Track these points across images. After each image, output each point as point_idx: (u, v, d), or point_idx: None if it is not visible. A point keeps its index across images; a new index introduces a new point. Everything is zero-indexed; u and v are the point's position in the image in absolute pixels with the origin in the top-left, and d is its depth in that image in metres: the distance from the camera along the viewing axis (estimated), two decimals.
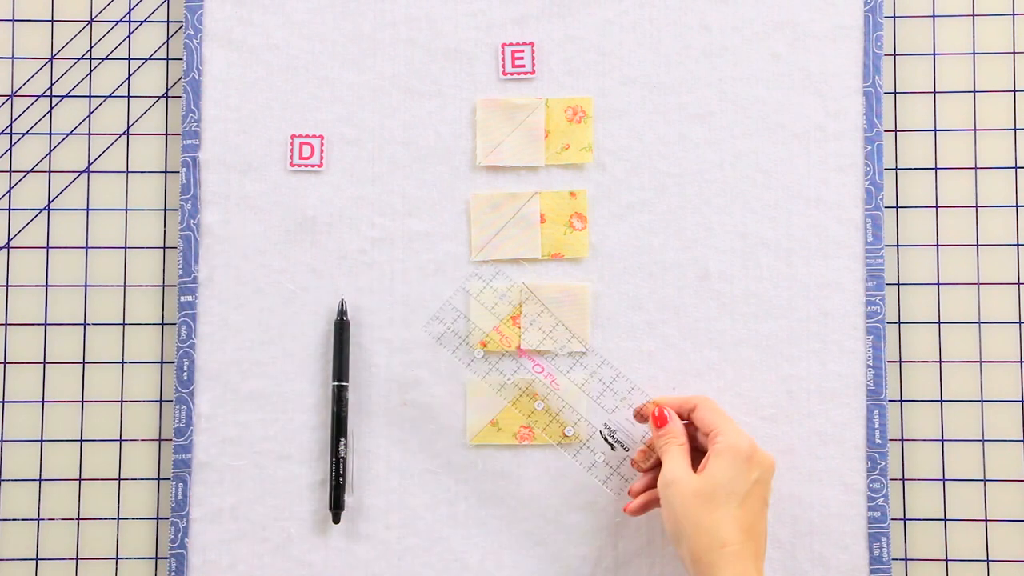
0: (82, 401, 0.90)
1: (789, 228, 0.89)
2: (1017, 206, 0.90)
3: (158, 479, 0.89)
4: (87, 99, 0.92)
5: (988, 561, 0.88)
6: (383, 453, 0.88)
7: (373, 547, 0.87)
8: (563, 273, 0.89)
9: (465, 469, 0.88)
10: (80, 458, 0.90)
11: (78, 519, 0.89)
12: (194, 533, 0.88)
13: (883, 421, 0.87)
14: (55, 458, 0.90)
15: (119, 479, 0.90)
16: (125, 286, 0.91)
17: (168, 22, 0.92)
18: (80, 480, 0.90)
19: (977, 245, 0.90)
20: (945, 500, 0.89)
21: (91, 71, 0.92)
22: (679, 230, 0.89)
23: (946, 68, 0.91)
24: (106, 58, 0.92)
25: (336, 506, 0.86)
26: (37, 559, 0.89)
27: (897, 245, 0.90)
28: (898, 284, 0.90)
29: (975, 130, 0.91)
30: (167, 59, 0.92)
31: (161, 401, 0.90)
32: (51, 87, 0.92)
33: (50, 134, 0.92)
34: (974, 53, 0.91)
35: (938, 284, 0.90)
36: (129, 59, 0.92)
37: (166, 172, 0.91)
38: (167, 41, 0.92)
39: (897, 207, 0.90)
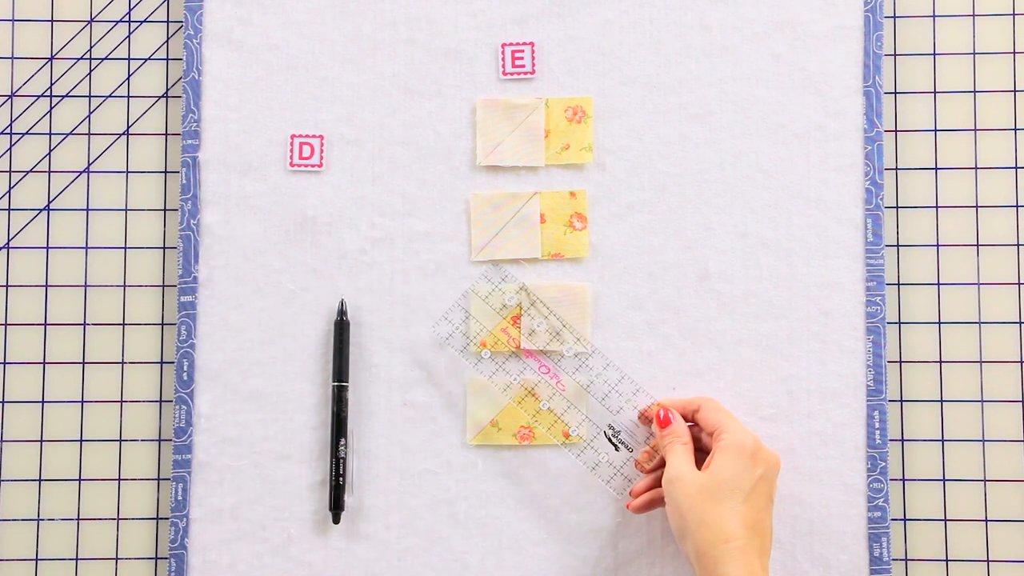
0: (82, 401, 0.90)
1: (789, 228, 0.89)
2: (1017, 206, 0.90)
3: (158, 479, 0.89)
4: (87, 99, 0.92)
5: (988, 561, 0.88)
6: (383, 453, 0.88)
7: (373, 547, 0.87)
8: (563, 273, 0.89)
9: (465, 469, 0.88)
10: (80, 458, 0.90)
11: (78, 519, 0.89)
12: (194, 533, 0.88)
13: (883, 421, 0.87)
14: (55, 458, 0.90)
15: (119, 479, 0.90)
16: (125, 286, 0.91)
17: (168, 22, 0.92)
18: (80, 480, 0.90)
19: (977, 245, 0.90)
20: (945, 500, 0.89)
21: (91, 71, 0.92)
22: (679, 230, 0.89)
23: (946, 68, 0.91)
24: (106, 58, 0.92)
25: (336, 506, 0.86)
26: (37, 559, 0.89)
27: (897, 245, 0.90)
28: (898, 284, 0.90)
29: (975, 130, 0.91)
30: (167, 59, 0.92)
31: (161, 401, 0.90)
32: (51, 87, 0.92)
33: (50, 134, 0.92)
34: (974, 53, 0.91)
35: (938, 284, 0.90)
36: (129, 59, 0.92)
37: (166, 172, 0.91)
38: (167, 41, 0.92)
39: (897, 207, 0.90)
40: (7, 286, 0.91)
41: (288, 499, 0.88)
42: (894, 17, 0.91)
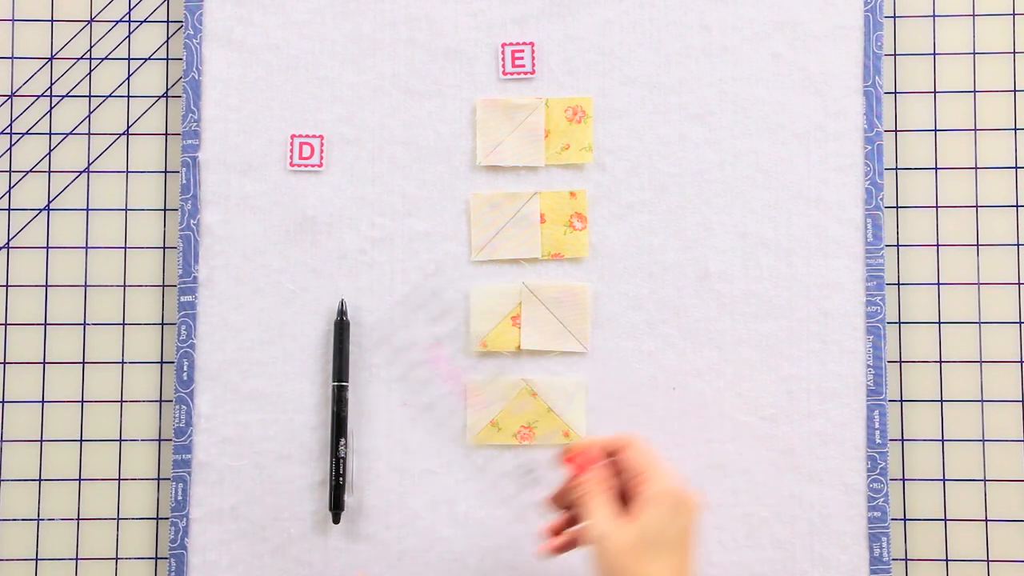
0: (82, 401, 0.90)
1: (789, 228, 0.89)
2: (1017, 206, 0.90)
3: (158, 479, 0.89)
4: (87, 99, 0.92)
5: (988, 561, 0.88)
6: (383, 453, 0.88)
7: (373, 547, 0.87)
8: (563, 273, 0.89)
9: (465, 469, 0.88)
10: (80, 458, 0.90)
11: (78, 519, 0.89)
12: (194, 533, 0.88)
13: (883, 421, 0.87)
14: (55, 458, 0.90)
15: (119, 479, 0.90)
16: (125, 286, 0.91)
17: (168, 22, 0.92)
18: (80, 480, 0.90)
19: (977, 245, 0.90)
20: (945, 500, 0.89)
21: (91, 71, 0.92)
22: (679, 230, 0.89)
23: (946, 68, 0.91)
24: (106, 58, 0.92)
25: (336, 506, 0.86)
26: (37, 559, 0.89)
27: (897, 245, 0.90)
28: (898, 284, 0.90)
29: (975, 130, 0.91)
30: (167, 59, 0.92)
31: (161, 401, 0.90)
32: (51, 87, 0.92)
33: (50, 134, 0.92)
34: (974, 53, 0.91)
35: (938, 284, 0.90)
36: (129, 59, 0.92)
37: (166, 172, 0.91)
38: (167, 41, 0.92)
39: (897, 207, 0.90)
40: (7, 286, 0.91)
41: (288, 499, 0.88)
42: (894, 17, 0.91)
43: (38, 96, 0.92)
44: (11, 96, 0.92)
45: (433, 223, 0.89)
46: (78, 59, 0.92)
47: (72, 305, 0.91)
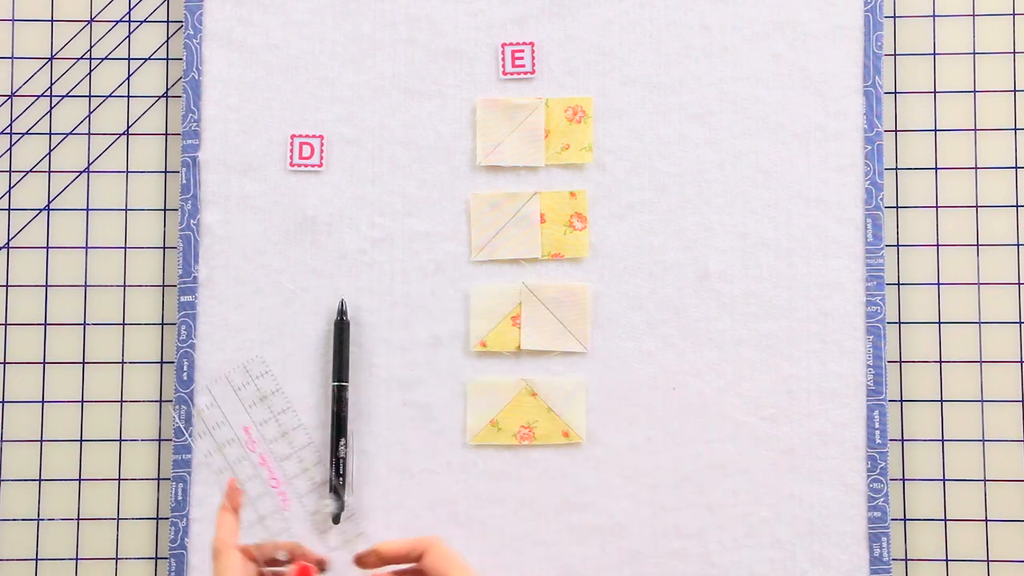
0: (82, 401, 0.90)
1: (789, 228, 0.89)
2: (1017, 206, 0.90)
3: (158, 479, 0.89)
4: (87, 99, 0.92)
5: (988, 561, 0.88)
6: (383, 453, 0.88)
7: None
8: (563, 273, 0.89)
9: (465, 469, 0.88)
10: (80, 458, 0.90)
11: (78, 519, 0.89)
12: (194, 533, 0.88)
13: (883, 421, 0.87)
14: (55, 458, 0.90)
15: (119, 479, 0.90)
16: (125, 286, 0.91)
17: (168, 22, 0.92)
18: (80, 480, 0.90)
19: (977, 245, 0.90)
20: (945, 500, 0.89)
21: (91, 71, 0.92)
22: (679, 230, 0.89)
23: (946, 68, 0.91)
24: (106, 58, 0.92)
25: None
26: (37, 559, 0.89)
27: (897, 245, 0.90)
28: (898, 284, 0.90)
29: (975, 130, 0.91)
30: (167, 59, 0.92)
31: (161, 401, 0.90)
32: (51, 87, 0.92)
33: (50, 134, 0.92)
34: (974, 53, 0.91)
35: (938, 284, 0.90)
36: (129, 59, 0.92)
37: (166, 172, 0.91)
38: (167, 41, 0.92)
39: (897, 207, 0.90)
40: (7, 286, 0.91)
41: (288, 499, 0.88)
42: (894, 17, 0.91)
43: (38, 96, 0.92)
44: (11, 96, 0.92)
45: (433, 223, 0.89)
46: (78, 59, 0.92)
47: (72, 305, 0.91)
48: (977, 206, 0.90)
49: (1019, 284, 0.90)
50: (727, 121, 0.89)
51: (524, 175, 0.90)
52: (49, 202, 0.91)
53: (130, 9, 0.92)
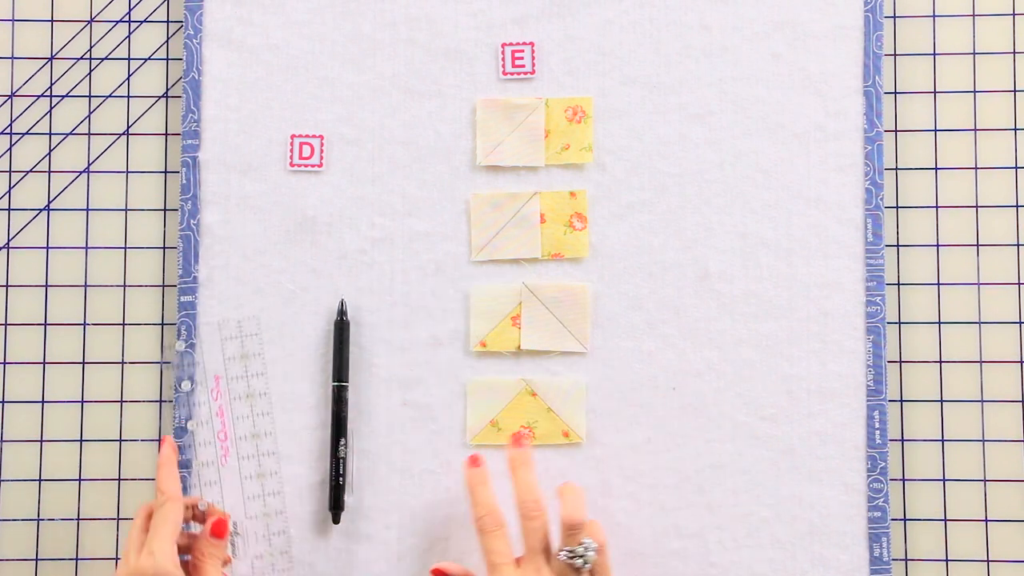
0: (82, 401, 0.90)
1: (789, 228, 0.89)
2: (1017, 206, 0.90)
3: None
4: (87, 99, 0.92)
5: (988, 561, 0.88)
6: (383, 453, 0.88)
7: (373, 547, 0.87)
8: (563, 273, 0.89)
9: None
10: (80, 458, 0.90)
11: (78, 519, 0.89)
12: None
13: (883, 421, 0.87)
14: (55, 458, 0.90)
15: (119, 479, 0.89)
16: (125, 286, 0.91)
17: (168, 22, 0.92)
18: (80, 480, 0.90)
19: (977, 245, 0.90)
20: (945, 500, 0.89)
21: (91, 71, 0.92)
22: (679, 230, 0.89)
23: (946, 68, 0.91)
24: (106, 58, 0.92)
25: (336, 506, 0.86)
26: (37, 559, 0.89)
27: (897, 245, 0.90)
28: (898, 284, 0.90)
29: (975, 130, 0.91)
30: (167, 59, 0.92)
31: (161, 401, 0.90)
32: (51, 87, 0.92)
33: (50, 134, 0.92)
34: (974, 53, 0.91)
35: (938, 284, 0.90)
36: (129, 59, 0.92)
37: (166, 172, 0.91)
38: (167, 41, 0.92)
39: (897, 207, 0.90)
40: (7, 286, 0.91)
41: (288, 499, 0.88)
42: (894, 17, 0.91)
43: (38, 96, 0.92)
44: (11, 96, 0.92)
45: (433, 223, 0.89)
46: (78, 59, 0.92)
47: (72, 305, 0.91)
48: (977, 206, 0.90)
49: (1019, 284, 0.90)
50: (727, 121, 0.89)
51: (524, 175, 0.90)
52: (49, 202, 0.91)
53: (130, 9, 0.92)
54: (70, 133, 0.92)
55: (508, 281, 0.89)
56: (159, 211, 0.91)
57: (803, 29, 0.90)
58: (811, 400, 0.88)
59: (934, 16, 0.91)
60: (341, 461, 0.87)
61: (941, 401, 0.89)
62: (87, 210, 0.91)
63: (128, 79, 0.92)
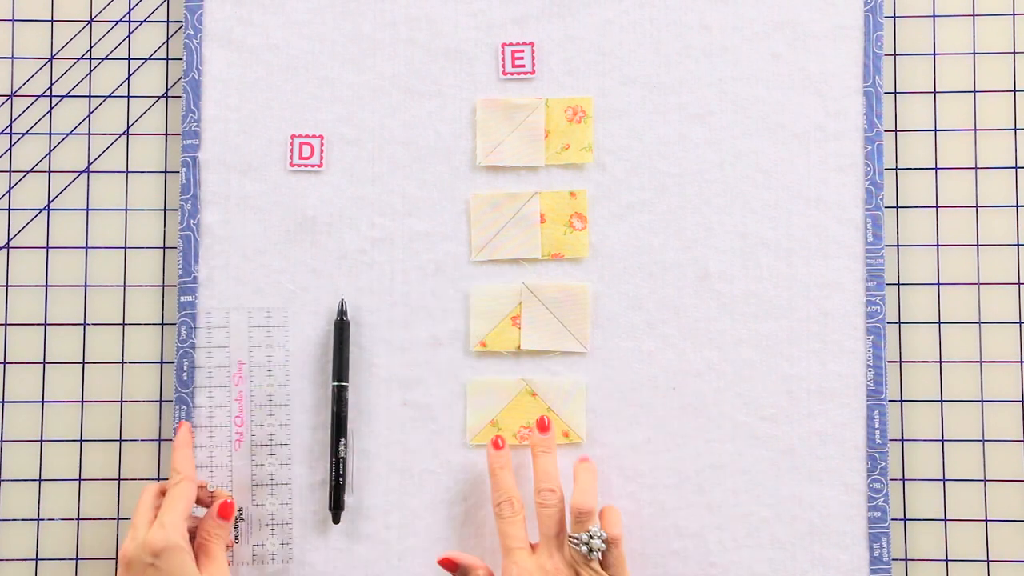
0: (82, 401, 0.90)
1: (789, 228, 0.89)
2: (1017, 206, 0.90)
3: (158, 479, 0.89)
4: (87, 99, 0.92)
5: (988, 561, 0.88)
6: (383, 453, 0.88)
7: (373, 547, 0.87)
8: (563, 273, 0.89)
9: (465, 469, 0.88)
10: (80, 458, 0.90)
11: (78, 519, 0.89)
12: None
13: (883, 421, 0.87)
14: (55, 458, 0.90)
15: (119, 479, 0.89)
16: (125, 286, 0.91)
17: (168, 22, 0.92)
18: (80, 480, 0.90)
19: (977, 245, 0.90)
20: (945, 500, 0.89)
21: (91, 71, 0.92)
22: (679, 230, 0.89)
23: (946, 68, 0.91)
24: (106, 58, 0.92)
25: (336, 506, 0.86)
26: (37, 559, 0.89)
27: (897, 245, 0.90)
28: (898, 284, 0.90)
29: (975, 130, 0.91)
30: (167, 59, 0.92)
31: (161, 401, 0.90)
32: (51, 87, 0.92)
33: (50, 134, 0.92)
34: (974, 53, 0.91)
35: (938, 284, 0.90)
36: (129, 59, 0.92)
37: (166, 172, 0.91)
38: (167, 41, 0.92)
39: (897, 207, 0.90)
40: (7, 286, 0.91)
41: (288, 499, 0.88)
42: (894, 17, 0.91)
43: (38, 96, 0.92)
44: (11, 96, 0.92)
45: (433, 223, 0.89)
46: (78, 59, 0.92)
47: (72, 305, 0.91)
48: (977, 206, 0.90)
49: (1019, 284, 0.90)
50: (727, 121, 0.89)
51: (524, 175, 0.90)
52: (49, 202, 0.91)
53: (130, 9, 0.92)
54: (70, 133, 0.92)
55: (508, 281, 0.89)
56: (159, 211, 0.91)
57: (803, 29, 0.90)
58: (811, 400, 0.88)
59: (934, 16, 0.91)
60: (341, 461, 0.87)
61: (941, 401, 0.89)
62: (87, 210, 0.91)
63: (128, 79, 0.92)
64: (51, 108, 0.92)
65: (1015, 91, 0.91)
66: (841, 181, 0.89)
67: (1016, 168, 0.91)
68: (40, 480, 0.90)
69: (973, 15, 0.91)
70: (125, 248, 0.91)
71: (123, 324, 0.91)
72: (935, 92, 0.91)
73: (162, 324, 0.90)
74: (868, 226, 0.88)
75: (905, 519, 0.88)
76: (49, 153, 0.92)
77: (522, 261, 0.89)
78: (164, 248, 0.91)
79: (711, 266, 0.88)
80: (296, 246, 0.89)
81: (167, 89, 0.92)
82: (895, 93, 0.91)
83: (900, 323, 0.90)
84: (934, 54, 0.91)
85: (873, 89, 0.89)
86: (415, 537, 0.87)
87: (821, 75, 0.89)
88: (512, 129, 0.90)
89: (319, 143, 0.90)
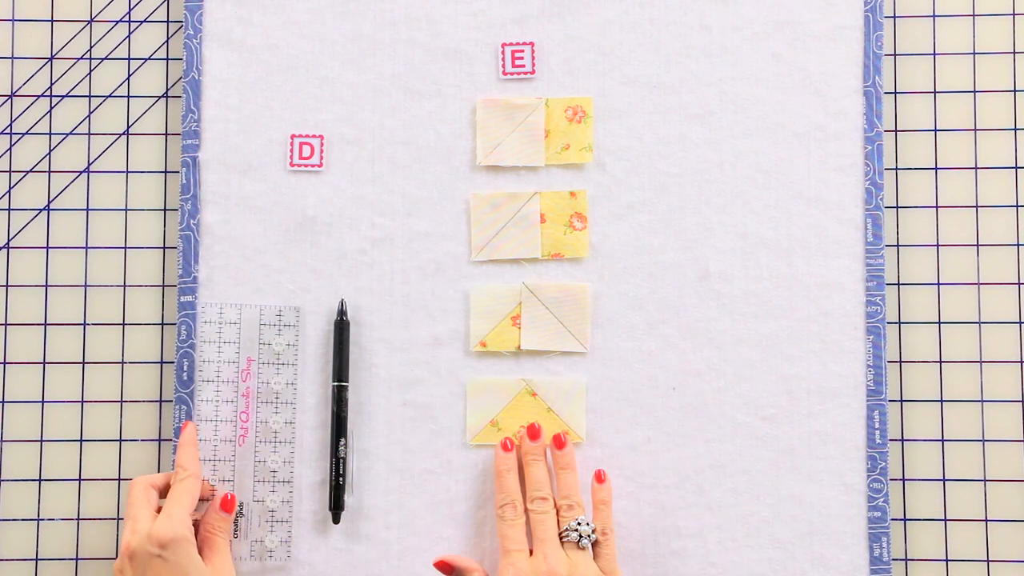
0: (82, 401, 0.90)
1: (789, 228, 0.89)
2: (1017, 206, 0.90)
3: None
4: (87, 99, 0.92)
5: (988, 561, 0.88)
6: (383, 453, 0.88)
7: (373, 547, 0.87)
8: (563, 273, 0.89)
9: (465, 469, 0.88)
10: (80, 458, 0.90)
11: (78, 519, 0.89)
12: None
13: (883, 421, 0.87)
14: (55, 458, 0.90)
15: (119, 479, 0.90)
16: (125, 286, 0.91)
17: (168, 22, 0.92)
18: (80, 480, 0.90)
19: (977, 245, 0.90)
20: (945, 500, 0.89)
21: (91, 71, 0.92)
22: (679, 230, 0.89)
23: (946, 68, 0.91)
24: (106, 58, 0.92)
25: (336, 506, 0.86)
26: (37, 559, 0.89)
27: (897, 245, 0.90)
28: (898, 284, 0.90)
29: (975, 130, 0.91)
30: (167, 59, 0.92)
31: (161, 401, 0.90)
32: (51, 87, 0.92)
33: (50, 134, 0.92)
34: (974, 53, 0.91)
35: (938, 284, 0.90)
36: (129, 59, 0.92)
37: (166, 172, 0.91)
38: (167, 41, 0.92)
39: (897, 207, 0.90)
40: (7, 286, 0.91)
41: (289, 496, 0.88)
42: (894, 17, 0.91)
43: (38, 96, 0.92)
44: (11, 96, 0.92)
45: (433, 223, 0.89)
46: (78, 59, 0.92)
47: (72, 305, 0.91)
48: (977, 206, 0.90)
49: (1019, 284, 0.90)
50: (727, 121, 0.89)
51: (524, 175, 0.90)
52: (49, 202, 0.91)
53: (130, 9, 0.92)
54: (70, 133, 0.92)
55: (508, 281, 0.89)
56: (159, 211, 0.91)
57: (803, 29, 0.90)
58: (811, 400, 0.88)
59: (934, 16, 0.91)
60: (341, 461, 0.87)
61: (941, 401, 0.89)
62: (87, 210, 0.91)
63: (128, 79, 0.92)
64: (51, 108, 0.92)
65: (1015, 91, 0.91)
66: (841, 181, 0.89)
67: (1016, 168, 0.91)
68: (40, 480, 0.90)
69: (973, 15, 0.91)
70: (125, 248, 0.91)
71: (123, 324, 0.91)
72: (935, 92, 0.91)
73: (162, 324, 0.90)
74: (868, 226, 0.88)
75: (905, 519, 0.88)
76: (49, 153, 0.92)
77: (522, 261, 0.89)
78: (164, 248, 0.91)
79: (711, 266, 0.88)
80: (296, 246, 0.89)
81: (167, 89, 0.92)
82: (895, 93, 0.91)
83: (900, 323, 0.90)
84: (934, 54, 0.91)
85: (873, 89, 0.89)
86: (415, 537, 0.87)
87: (821, 75, 0.89)
88: (512, 129, 0.90)
89: (319, 143, 0.90)
